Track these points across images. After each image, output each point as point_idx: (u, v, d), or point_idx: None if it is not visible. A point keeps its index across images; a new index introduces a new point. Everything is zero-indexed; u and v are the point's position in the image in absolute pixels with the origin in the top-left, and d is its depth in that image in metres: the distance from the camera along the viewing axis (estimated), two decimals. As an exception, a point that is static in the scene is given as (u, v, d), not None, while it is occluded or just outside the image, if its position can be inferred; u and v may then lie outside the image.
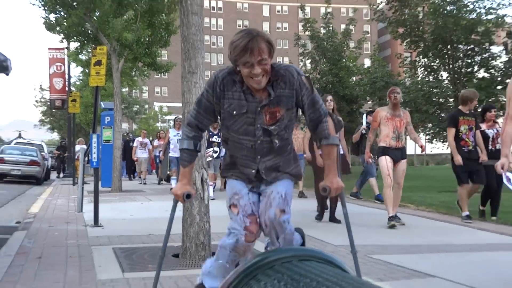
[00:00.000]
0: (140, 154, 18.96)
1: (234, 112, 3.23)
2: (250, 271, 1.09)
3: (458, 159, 7.95)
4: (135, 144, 19.46)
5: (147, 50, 16.44)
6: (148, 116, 64.21)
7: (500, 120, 9.42)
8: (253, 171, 3.36)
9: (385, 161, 7.50)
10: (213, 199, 10.41)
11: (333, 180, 3.26)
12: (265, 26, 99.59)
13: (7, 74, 1.43)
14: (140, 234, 6.92)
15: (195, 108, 3.43)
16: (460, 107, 8.53)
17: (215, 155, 12.70)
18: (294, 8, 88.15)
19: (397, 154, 7.59)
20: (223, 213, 8.56)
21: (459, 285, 4.50)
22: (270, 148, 3.30)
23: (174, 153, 13.97)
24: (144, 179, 19.29)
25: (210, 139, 12.50)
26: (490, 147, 8.47)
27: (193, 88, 5.43)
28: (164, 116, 68.28)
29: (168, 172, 15.91)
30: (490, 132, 8.48)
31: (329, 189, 3.22)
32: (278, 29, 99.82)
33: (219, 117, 3.49)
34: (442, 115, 17.19)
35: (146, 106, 67.11)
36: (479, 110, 12.04)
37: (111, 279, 4.45)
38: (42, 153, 23.51)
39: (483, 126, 8.61)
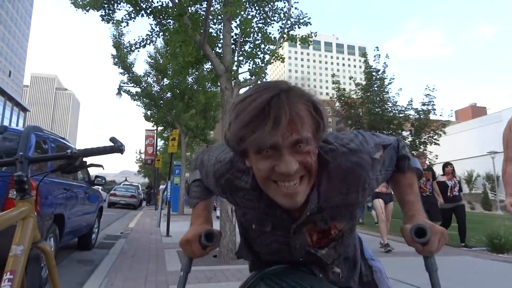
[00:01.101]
0: None
1: (253, 226, 0.98)
2: (263, 275, 1.00)
3: None
4: None
5: (202, 132, 16.69)
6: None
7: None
8: None
9: (379, 203, 6.48)
10: None
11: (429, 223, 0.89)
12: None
13: (122, 154, 1.42)
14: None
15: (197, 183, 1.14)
16: None
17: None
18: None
19: (386, 197, 6.55)
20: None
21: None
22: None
23: None
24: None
25: None
26: (448, 193, 7.19)
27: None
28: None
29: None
30: (449, 183, 7.28)
31: (429, 234, 0.84)
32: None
33: None
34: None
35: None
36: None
37: (175, 270, 4.28)
38: (138, 191, 23.60)
39: (444, 178, 7.37)
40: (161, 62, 14.40)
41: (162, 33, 6.31)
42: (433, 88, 16.18)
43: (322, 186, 0.84)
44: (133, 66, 14.33)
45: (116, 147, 1.38)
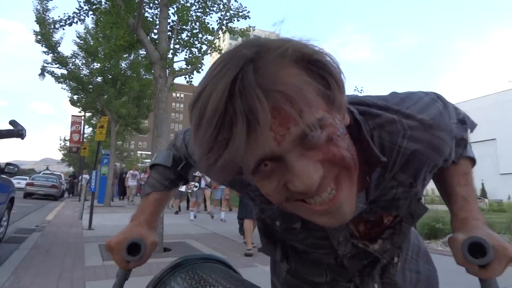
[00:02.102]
0: (131, 182, 16.12)
1: (278, 224, 0.72)
2: (172, 268, 0.95)
3: None
4: (127, 175, 16.46)
5: (134, 120, 15.96)
6: (132, 159, 61.88)
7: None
8: None
9: None
10: (193, 221, 8.65)
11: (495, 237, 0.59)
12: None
13: (22, 139, 1.24)
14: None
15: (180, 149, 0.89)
16: None
17: (195, 189, 9.13)
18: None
19: None
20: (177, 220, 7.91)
21: None
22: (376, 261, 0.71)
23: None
24: (132, 200, 16.13)
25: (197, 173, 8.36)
26: None
27: (158, 146, 5.28)
28: (143, 159, 65.74)
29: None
30: None
31: (492, 254, 0.56)
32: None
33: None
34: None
35: (132, 153, 65.32)
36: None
37: (94, 265, 4.03)
38: (60, 180, 21.77)
39: None
40: (91, 43, 13.40)
41: (91, 12, 5.85)
42: (361, 90, 17.27)
43: (372, 180, 0.60)
44: (59, 46, 13.13)
45: (15, 132, 1.24)
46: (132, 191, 16.36)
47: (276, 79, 0.42)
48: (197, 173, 8.94)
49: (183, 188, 9.07)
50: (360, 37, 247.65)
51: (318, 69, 0.45)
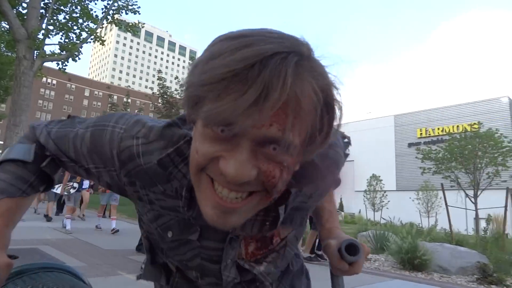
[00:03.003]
0: None
1: (170, 235, 0.67)
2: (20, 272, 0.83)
3: None
4: None
5: (-14, 102, 13.45)
6: (-20, 149, 51.61)
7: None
8: None
9: None
10: (71, 233, 6.83)
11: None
12: (85, 102, 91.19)
13: None
14: None
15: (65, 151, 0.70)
16: None
17: (72, 190, 7.36)
18: (106, 94, 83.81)
19: None
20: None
21: None
22: None
23: None
24: None
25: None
26: None
27: (14, 136, 4.59)
28: (-6, 150, 55.60)
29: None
30: None
31: (361, 252, 0.74)
32: (93, 105, 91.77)
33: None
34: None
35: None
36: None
37: None
38: None
39: None
40: None
41: None
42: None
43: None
44: None
45: None
46: None
47: (304, 88, 0.44)
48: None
49: (58, 190, 7.71)
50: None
51: (325, 113, 0.48)
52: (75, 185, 7.47)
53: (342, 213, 33.69)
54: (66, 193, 7.42)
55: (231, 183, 0.47)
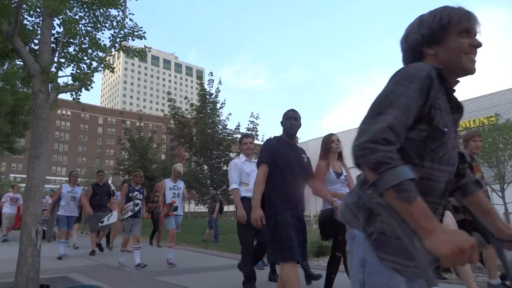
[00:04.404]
0: (8, 210, 11.21)
1: (446, 129, 1.06)
2: None
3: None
4: (3, 199, 11.54)
5: (6, 138, 13.85)
6: (3, 183, 53.13)
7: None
8: None
9: None
10: (140, 265, 5.93)
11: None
12: (99, 130, 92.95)
13: None
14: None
15: (398, 116, 0.95)
16: None
17: (130, 214, 6.34)
18: (119, 120, 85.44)
19: None
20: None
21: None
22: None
23: (64, 211, 7.63)
24: (5, 235, 10.87)
25: (130, 195, 6.53)
26: None
27: (36, 168, 4.70)
28: (18, 184, 56.95)
29: (55, 233, 9.14)
30: None
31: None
32: (108, 132, 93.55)
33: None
34: (204, 189, 17.51)
35: (3, 176, 56.28)
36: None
37: None
38: None
39: None
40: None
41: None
42: (257, 116, 18.27)
43: None
44: None
45: None
46: (7, 221, 11.13)
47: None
48: (136, 194, 6.56)
49: (111, 219, 7.08)
50: (257, 66, 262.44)
51: None
52: (137, 203, 6.39)
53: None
54: (124, 216, 6.36)
55: (477, 48, 1.12)
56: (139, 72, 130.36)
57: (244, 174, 4.48)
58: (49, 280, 4.71)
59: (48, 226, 7.90)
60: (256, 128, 18.10)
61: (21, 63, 5.89)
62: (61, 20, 5.33)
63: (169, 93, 20.37)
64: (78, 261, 6.79)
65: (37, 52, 5.19)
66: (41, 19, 5.34)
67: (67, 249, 7.70)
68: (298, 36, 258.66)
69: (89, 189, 8.21)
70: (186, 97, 19.61)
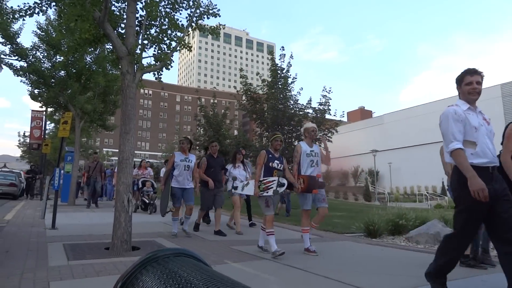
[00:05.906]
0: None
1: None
2: (143, 263, 0.98)
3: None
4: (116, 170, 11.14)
5: (100, 116, 15.41)
6: (98, 157, 59.72)
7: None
8: None
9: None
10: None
11: None
12: (177, 107, 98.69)
13: None
14: (83, 234, 6.22)
15: None
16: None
17: (281, 189, 4.89)
18: (195, 98, 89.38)
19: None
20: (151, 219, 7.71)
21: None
22: None
23: (177, 183, 6.34)
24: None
25: (270, 164, 5.07)
26: None
27: (126, 142, 5.18)
28: (110, 157, 63.48)
29: (169, 209, 7.15)
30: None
31: None
32: (185, 109, 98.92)
33: None
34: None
35: (98, 150, 63.25)
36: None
37: (59, 265, 3.90)
38: (20, 178, 20.70)
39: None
40: (53, 36, 12.84)
41: (54, 3, 5.63)
42: (330, 90, 17.71)
43: None
44: (18, 37, 12.49)
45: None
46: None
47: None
48: (276, 165, 5.12)
49: (246, 189, 6.28)
50: (329, 38, 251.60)
51: None
52: (282, 183, 4.89)
53: (446, 197, 30.67)
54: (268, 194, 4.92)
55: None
56: (212, 50, 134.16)
57: (470, 128, 2.75)
58: (139, 243, 5.26)
59: (163, 199, 6.62)
60: (329, 103, 17.61)
61: (110, 47, 6.42)
62: (143, 4, 5.65)
63: (241, 69, 20.67)
64: (162, 228, 7.44)
65: (124, 36, 5.60)
66: (126, 3, 5.72)
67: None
68: (373, 0, 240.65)
69: (203, 161, 7.12)
70: (258, 73, 19.73)
